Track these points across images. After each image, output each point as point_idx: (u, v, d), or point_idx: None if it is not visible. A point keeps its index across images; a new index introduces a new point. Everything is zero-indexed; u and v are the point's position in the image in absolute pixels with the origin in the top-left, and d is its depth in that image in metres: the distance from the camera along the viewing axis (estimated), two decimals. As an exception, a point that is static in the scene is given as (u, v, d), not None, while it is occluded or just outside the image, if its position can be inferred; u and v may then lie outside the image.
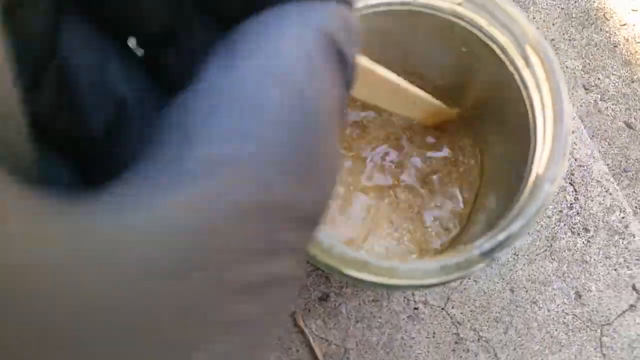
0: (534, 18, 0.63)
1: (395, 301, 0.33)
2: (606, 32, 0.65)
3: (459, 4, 0.23)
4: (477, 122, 0.30)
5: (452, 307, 0.33)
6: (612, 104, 0.63)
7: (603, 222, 0.34)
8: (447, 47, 0.26)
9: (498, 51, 0.23)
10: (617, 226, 0.34)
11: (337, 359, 0.32)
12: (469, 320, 0.33)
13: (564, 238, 0.34)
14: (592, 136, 0.63)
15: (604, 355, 0.33)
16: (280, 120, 0.09)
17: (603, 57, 0.65)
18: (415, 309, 0.33)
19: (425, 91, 0.30)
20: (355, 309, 0.33)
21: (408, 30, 0.26)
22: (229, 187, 0.09)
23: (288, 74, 0.10)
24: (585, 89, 0.63)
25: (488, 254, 0.20)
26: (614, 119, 0.63)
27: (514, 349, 0.33)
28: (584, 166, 0.35)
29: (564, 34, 0.64)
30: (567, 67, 0.63)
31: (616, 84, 0.64)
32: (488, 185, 0.29)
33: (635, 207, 0.62)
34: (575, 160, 0.35)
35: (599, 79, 0.64)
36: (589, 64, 0.64)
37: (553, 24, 0.64)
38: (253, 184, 0.09)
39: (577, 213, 0.34)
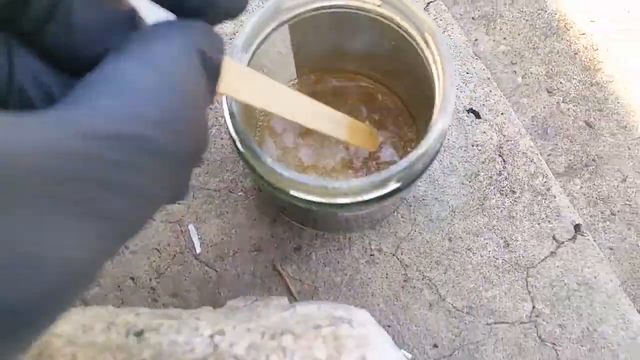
0: (500, 29, 0.71)
1: (355, 249, 0.41)
2: (567, 40, 0.73)
3: (379, 6, 0.31)
4: (407, 91, 0.37)
5: (402, 254, 0.41)
6: (573, 106, 0.71)
7: (528, 185, 0.42)
8: (381, 39, 0.34)
9: (409, 39, 0.31)
10: (540, 189, 0.42)
11: (309, 295, 0.40)
12: (415, 264, 0.40)
13: (493, 198, 0.42)
14: (555, 135, 0.71)
15: (529, 292, 0.40)
16: (152, 89, 0.14)
17: (565, 64, 0.72)
18: (372, 255, 0.41)
19: (377, 75, 0.38)
20: (323, 256, 0.41)
21: (350, 28, 0.34)
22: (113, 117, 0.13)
23: (165, 66, 0.15)
24: (549, 92, 0.71)
25: (395, 175, 0.27)
26: (575, 119, 0.70)
27: (452, 286, 0.40)
28: (511, 141, 0.43)
29: (528, 43, 0.72)
30: (531, 73, 0.71)
31: (577, 87, 0.71)
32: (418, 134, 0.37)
33: (596, 197, 0.69)
34: (504, 136, 0.43)
35: (561, 82, 0.71)
36: (551, 69, 0.72)
37: (518, 34, 0.72)
38: (133, 121, 0.14)
39: (505, 178, 0.42)
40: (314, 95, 0.28)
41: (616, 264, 0.66)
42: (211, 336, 0.31)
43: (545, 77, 0.71)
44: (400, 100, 0.38)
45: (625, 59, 0.73)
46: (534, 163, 0.42)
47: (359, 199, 0.28)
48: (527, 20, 0.74)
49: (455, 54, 0.45)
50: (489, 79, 0.44)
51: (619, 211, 0.67)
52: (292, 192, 0.28)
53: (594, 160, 0.69)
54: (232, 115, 0.28)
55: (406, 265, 0.40)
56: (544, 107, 0.71)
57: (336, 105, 0.30)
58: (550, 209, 0.42)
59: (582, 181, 0.68)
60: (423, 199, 0.41)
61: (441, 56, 0.29)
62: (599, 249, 0.41)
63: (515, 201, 0.42)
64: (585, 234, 0.41)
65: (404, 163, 0.28)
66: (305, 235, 0.41)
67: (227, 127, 0.28)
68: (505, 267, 0.41)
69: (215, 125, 0.43)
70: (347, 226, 0.38)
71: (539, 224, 0.41)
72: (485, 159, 0.42)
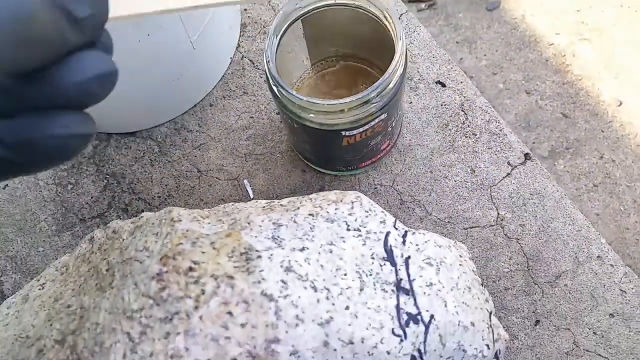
0: (481, 48, 0.88)
1: (363, 185, 0.56)
2: (538, 51, 0.89)
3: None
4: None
5: (397, 185, 0.56)
6: (550, 102, 0.86)
7: (485, 129, 0.57)
8: (364, 24, 0.51)
9: (376, 19, 0.48)
10: (494, 130, 0.57)
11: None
12: (407, 191, 0.56)
13: (460, 140, 0.57)
14: (537, 126, 0.86)
15: (493, 203, 0.55)
16: None
17: (538, 69, 0.88)
18: (375, 188, 0.56)
19: (363, 53, 0.55)
20: (340, 192, 0.56)
21: (345, 18, 0.51)
22: None
23: None
24: (527, 93, 0.87)
25: (375, 89, 0.43)
26: (553, 112, 0.86)
27: (436, 204, 0.55)
28: (470, 100, 0.58)
29: (505, 56, 0.89)
30: (511, 79, 0.87)
31: (551, 87, 0.87)
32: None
33: (578, 174, 0.83)
34: (464, 97, 0.59)
35: (537, 84, 0.87)
36: (527, 75, 0.88)
37: (496, 50, 0.89)
38: None
39: (468, 126, 0.57)
40: (324, 75, 0.45)
41: (603, 227, 0.80)
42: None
43: (523, 82, 0.88)
44: (379, 68, 0.55)
45: (588, 60, 0.88)
46: (488, 113, 0.58)
47: (354, 116, 0.45)
48: (502, 39, 0.91)
49: (426, 54, 0.62)
50: (449, 60, 0.60)
51: (600, 183, 0.81)
52: (305, 116, 0.45)
53: (573, 143, 0.84)
54: (269, 66, 0.45)
55: (400, 192, 0.56)
56: (525, 105, 0.86)
57: (342, 81, 0.47)
58: (504, 143, 0.57)
59: (564, 161, 0.82)
60: (409, 146, 0.57)
61: (394, 21, 0.46)
62: (546, 171, 0.56)
63: (476, 141, 0.57)
64: (533, 160, 0.56)
65: (380, 80, 0.44)
66: (326, 178, 0.57)
67: (267, 73, 0.45)
68: (474, 187, 0.55)
69: (257, 112, 0.60)
70: (355, 159, 0.53)
71: (496, 154, 0.56)
72: (452, 114, 0.58)
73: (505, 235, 0.54)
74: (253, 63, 0.61)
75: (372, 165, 0.55)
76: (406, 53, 0.45)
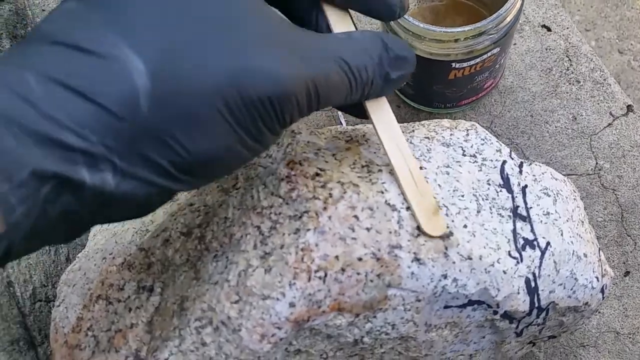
0: (575, 3, 0.86)
1: (460, 124, 0.56)
2: (636, 9, 0.86)
3: None
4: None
5: (495, 127, 0.56)
6: (643, 62, 0.84)
7: (589, 77, 0.56)
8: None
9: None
10: (598, 79, 0.56)
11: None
12: (505, 134, 0.55)
13: (563, 86, 0.56)
14: (627, 87, 0.83)
15: (592, 152, 0.54)
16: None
17: (634, 28, 0.85)
18: (472, 127, 0.56)
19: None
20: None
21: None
22: None
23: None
24: (620, 53, 0.84)
25: (492, 21, 0.43)
26: (645, 73, 0.83)
27: (534, 149, 0.55)
28: (575, 46, 0.57)
29: (600, 13, 0.86)
30: (604, 37, 0.85)
31: (645, 48, 0.84)
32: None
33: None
34: (570, 43, 0.57)
35: (631, 44, 0.84)
36: (622, 33, 0.85)
37: (591, 6, 0.86)
38: None
39: (572, 72, 0.56)
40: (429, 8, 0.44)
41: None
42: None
43: (617, 41, 0.85)
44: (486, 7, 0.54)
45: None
46: (593, 62, 0.56)
47: (467, 47, 0.44)
48: (599, -6, 0.88)
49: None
50: (556, 4, 0.59)
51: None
52: (416, 44, 0.45)
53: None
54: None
55: (498, 135, 0.55)
56: (616, 65, 0.84)
57: (446, 17, 0.46)
58: (607, 93, 0.56)
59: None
60: (511, 88, 0.56)
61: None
62: (648, 124, 0.55)
63: (579, 88, 0.56)
64: (636, 112, 0.55)
65: (499, 12, 0.43)
66: (421, 115, 0.57)
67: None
68: (574, 135, 0.55)
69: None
70: (455, 96, 0.53)
71: (598, 103, 0.55)
72: (556, 59, 0.57)
73: (602, 185, 0.53)
74: (355, -4, 0.61)
75: (471, 104, 0.55)
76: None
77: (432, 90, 0.52)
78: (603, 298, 0.38)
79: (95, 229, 0.45)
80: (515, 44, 0.57)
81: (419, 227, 0.32)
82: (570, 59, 0.56)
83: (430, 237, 0.32)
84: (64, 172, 0.21)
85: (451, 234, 0.33)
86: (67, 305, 0.39)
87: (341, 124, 0.57)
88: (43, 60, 0.22)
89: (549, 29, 0.57)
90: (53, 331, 0.38)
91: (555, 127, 0.55)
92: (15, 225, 0.20)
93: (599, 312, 0.50)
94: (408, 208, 0.33)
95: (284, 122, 0.26)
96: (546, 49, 0.57)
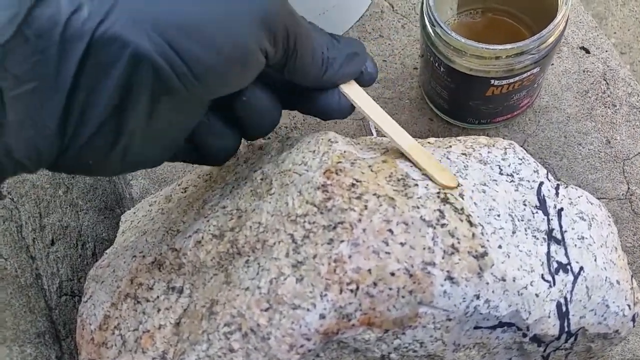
0: (612, 26, 0.85)
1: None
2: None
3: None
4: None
5: (528, 146, 0.55)
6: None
7: (626, 101, 0.56)
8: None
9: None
10: (636, 104, 0.55)
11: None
12: (537, 153, 0.55)
13: (599, 109, 0.56)
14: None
15: (625, 177, 0.54)
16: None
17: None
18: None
19: (514, 7, 0.54)
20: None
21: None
22: None
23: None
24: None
25: (534, 42, 0.43)
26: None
27: (566, 170, 0.54)
28: (613, 70, 0.57)
29: (637, 37, 0.85)
30: (639, 61, 0.84)
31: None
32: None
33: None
34: (608, 66, 0.57)
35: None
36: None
37: (628, 30, 0.86)
38: None
39: (608, 96, 0.56)
40: (467, 25, 0.44)
41: None
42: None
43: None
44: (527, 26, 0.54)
45: None
46: (631, 86, 0.56)
47: (507, 65, 0.44)
48: (637, 18, 0.87)
49: (573, 17, 0.60)
50: (596, 27, 0.58)
51: None
52: (457, 59, 0.45)
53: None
54: (429, 4, 0.45)
55: (531, 154, 0.55)
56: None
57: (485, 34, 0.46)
58: (644, 119, 0.55)
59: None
60: (546, 108, 0.56)
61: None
62: (684, 152, 0.54)
63: (615, 112, 0.55)
64: (672, 139, 0.54)
65: (542, 32, 0.43)
66: (454, 130, 0.56)
67: (424, 11, 0.45)
68: (607, 158, 0.54)
69: (390, 55, 0.60)
70: (491, 112, 0.53)
71: (634, 128, 0.55)
72: (593, 81, 0.56)
73: (633, 210, 0.52)
74: (392, 7, 0.61)
75: (505, 122, 0.55)
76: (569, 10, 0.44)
77: (467, 106, 0.52)
78: (634, 326, 0.38)
79: (125, 226, 0.45)
80: (552, 64, 0.56)
81: (434, 181, 0.34)
82: (607, 82, 0.56)
83: (447, 187, 0.34)
84: None
85: (486, 253, 0.32)
86: (94, 302, 0.39)
87: (372, 134, 0.57)
88: None
89: (587, 51, 0.57)
90: (79, 327, 0.39)
91: (589, 149, 0.54)
92: None
93: (625, 339, 0.49)
94: (443, 225, 0.33)
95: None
96: (583, 71, 0.56)
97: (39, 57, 0.21)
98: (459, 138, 0.41)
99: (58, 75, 0.22)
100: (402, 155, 0.37)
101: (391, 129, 0.36)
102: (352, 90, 0.35)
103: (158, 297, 0.36)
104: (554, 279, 0.34)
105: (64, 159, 0.25)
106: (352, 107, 0.36)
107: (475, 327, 0.33)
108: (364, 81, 0.35)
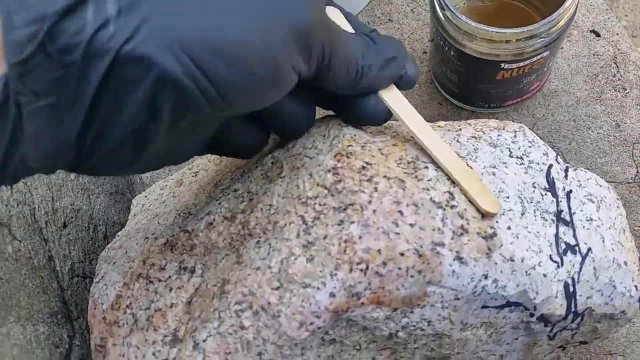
0: (623, 8, 0.84)
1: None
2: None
3: None
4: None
5: (537, 129, 0.55)
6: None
7: (636, 85, 0.55)
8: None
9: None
10: (645, 88, 0.55)
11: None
12: (547, 137, 0.55)
13: (609, 93, 0.55)
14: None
15: (634, 161, 0.54)
16: None
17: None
18: (513, 129, 0.55)
19: None
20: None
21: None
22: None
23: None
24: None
25: (545, 25, 0.42)
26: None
27: (574, 154, 0.54)
28: (624, 53, 0.56)
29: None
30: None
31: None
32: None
33: None
34: (619, 49, 0.57)
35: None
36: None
37: None
38: None
39: (618, 79, 0.56)
40: (477, 9, 0.44)
41: None
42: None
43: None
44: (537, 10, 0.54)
45: None
46: (642, 70, 0.56)
47: (518, 48, 0.44)
48: (649, 0, 0.86)
49: (583, 0, 0.60)
50: (607, 10, 0.58)
51: None
52: (467, 43, 0.45)
53: None
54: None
55: (540, 137, 0.55)
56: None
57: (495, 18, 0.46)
58: (654, 103, 0.55)
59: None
60: (555, 92, 0.56)
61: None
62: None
63: (625, 96, 0.55)
64: (682, 123, 0.54)
65: (552, 16, 0.43)
66: (463, 114, 0.56)
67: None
68: (616, 142, 0.54)
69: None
70: (501, 96, 0.53)
71: (644, 112, 0.55)
72: (603, 65, 0.56)
73: (642, 194, 0.52)
74: (402, -9, 0.61)
75: (515, 106, 0.55)
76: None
77: (477, 90, 0.52)
78: (640, 307, 0.38)
79: (136, 209, 0.46)
80: (562, 48, 0.56)
81: (477, 209, 0.32)
82: (617, 66, 0.56)
83: (488, 214, 0.32)
84: None
85: (495, 234, 0.33)
86: (106, 282, 0.39)
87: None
88: None
89: (598, 35, 0.56)
90: (91, 307, 0.39)
91: (598, 133, 0.54)
92: None
93: (630, 321, 0.49)
94: (452, 207, 0.33)
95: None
96: (594, 55, 0.56)
97: (61, 72, 0.21)
98: (468, 121, 0.41)
99: (79, 90, 0.21)
100: (412, 138, 0.37)
101: (430, 141, 0.34)
102: (390, 96, 0.33)
103: (170, 277, 0.36)
104: (562, 259, 0.34)
105: (81, 168, 0.25)
106: (389, 113, 0.33)
107: (483, 307, 0.34)
108: (403, 85, 0.33)
